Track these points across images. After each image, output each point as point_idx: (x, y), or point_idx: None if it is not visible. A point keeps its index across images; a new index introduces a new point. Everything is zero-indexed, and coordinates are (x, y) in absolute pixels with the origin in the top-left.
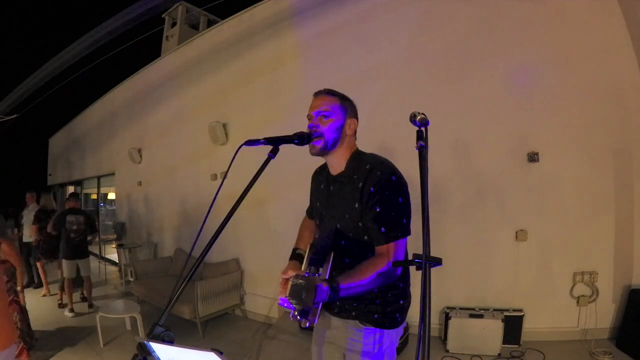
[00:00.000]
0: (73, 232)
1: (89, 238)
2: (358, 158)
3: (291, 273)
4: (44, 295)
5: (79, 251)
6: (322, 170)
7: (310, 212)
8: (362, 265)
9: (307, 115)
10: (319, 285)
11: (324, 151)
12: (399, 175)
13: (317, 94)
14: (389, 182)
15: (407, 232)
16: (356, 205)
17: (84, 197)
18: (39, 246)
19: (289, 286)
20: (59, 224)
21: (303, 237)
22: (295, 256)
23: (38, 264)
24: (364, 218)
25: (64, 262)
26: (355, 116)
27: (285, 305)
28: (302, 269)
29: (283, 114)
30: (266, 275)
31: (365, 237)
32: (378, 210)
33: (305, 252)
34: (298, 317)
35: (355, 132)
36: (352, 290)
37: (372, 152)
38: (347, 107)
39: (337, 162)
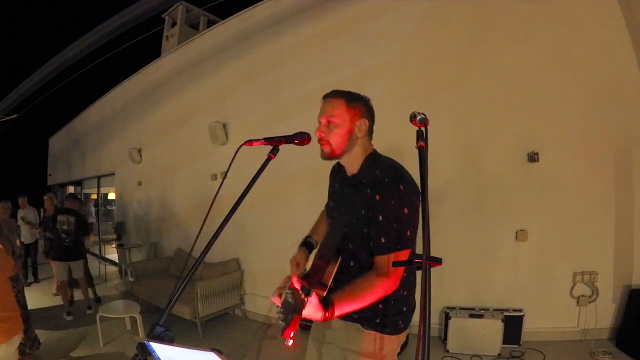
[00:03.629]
0: (64, 232)
1: (82, 240)
2: (372, 162)
3: (298, 261)
4: (55, 294)
5: (71, 253)
6: (340, 168)
7: None
8: (358, 284)
9: (318, 120)
10: (314, 307)
11: (332, 157)
12: (409, 184)
13: (325, 97)
14: (396, 191)
15: (410, 245)
16: (363, 212)
17: (84, 197)
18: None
19: (283, 296)
20: (49, 225)
21: (317, 230)
22: (306, 244)
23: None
24: (369, 225)
25: (55, 263)
26: (366, 115)
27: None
28: (308, 267)
29: (283, 114)
30: (266, 275)
31: (372, 244)
32: (381, 219)
33: (317, 243)
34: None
35: (369, 131)
36: (348, 310)
37: (388, 156)
38: (354, 108)
39: (351, 164)
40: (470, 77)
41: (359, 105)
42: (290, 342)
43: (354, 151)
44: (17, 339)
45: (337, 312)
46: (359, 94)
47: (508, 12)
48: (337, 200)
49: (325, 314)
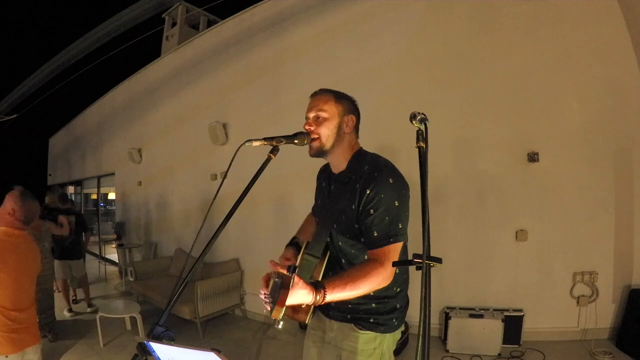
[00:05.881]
0: None
1: (82, 239)
2: (359, 158)
3: (287, 257)
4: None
5: (71, 252)
6: (326, 168)
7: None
8: (352, 271)
9: (305, 117)
10: (300, 289)
11: (321, 152)
12: (398, 177)
13: (313, 95)
14: (386, 184)
15: (402, 237)
16: (353, 207)
17: (84, 197)
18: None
19: (270, 281)
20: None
21: (304, 230)
22: (293, 244)
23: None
24: (360, 220)
25: (56, 262)
26: (353, 112)
27: (262, 296)
28: (297, 262)
29: (283, 114)
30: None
31: (362, 239)
32: (372, 213)
33: (303, 243)
34: (269, 307)
35: (355, 128)
36: (341, 296)
37: (375, 153)
38: (342, 104)
39: (338, 161)
40: (470, 77)
41: (346, 102)
42: (281, 324)
43: (342, 147)
44: (34, 352)
45: (330, 297)
46: (345, 94)
47: (508, 12)
48: (325, 198)
49: (315, 296)
